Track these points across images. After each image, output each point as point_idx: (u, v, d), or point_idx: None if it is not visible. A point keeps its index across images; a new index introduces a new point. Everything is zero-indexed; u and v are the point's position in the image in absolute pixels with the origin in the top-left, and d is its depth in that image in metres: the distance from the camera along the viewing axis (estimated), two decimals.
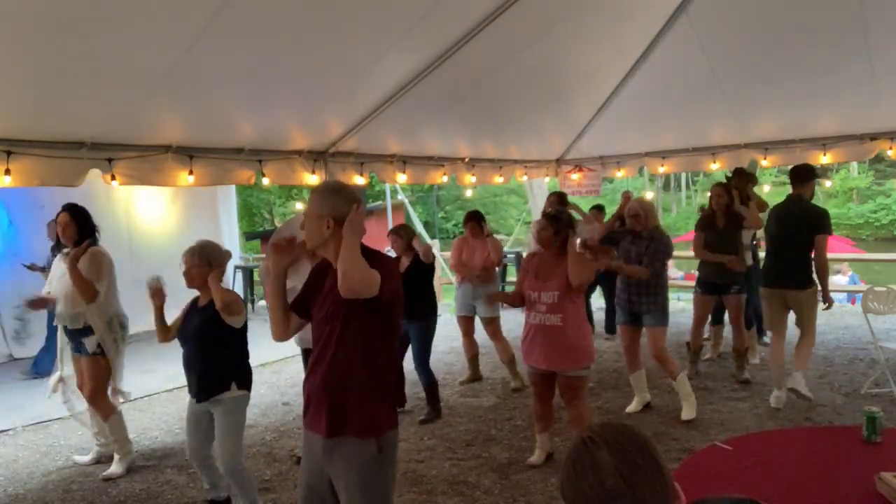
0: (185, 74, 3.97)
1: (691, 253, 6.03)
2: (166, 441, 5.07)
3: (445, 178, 7.58)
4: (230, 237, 10.54)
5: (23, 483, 4.40)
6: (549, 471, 4.08)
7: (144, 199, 9.29)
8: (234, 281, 10.12)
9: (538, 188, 9.39)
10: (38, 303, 4.47)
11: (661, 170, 8.70)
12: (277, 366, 7.01)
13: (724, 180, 6.14)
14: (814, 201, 5.12)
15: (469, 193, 13.06)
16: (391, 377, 2.37)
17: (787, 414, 4.88)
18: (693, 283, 6.06)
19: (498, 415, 5.24)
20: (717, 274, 5.55)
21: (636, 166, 9.09)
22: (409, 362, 5.09)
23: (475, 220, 6.09)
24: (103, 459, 4.58)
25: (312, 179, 5.91)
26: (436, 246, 10.99)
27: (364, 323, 2.25)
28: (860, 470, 2.49)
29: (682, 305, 9.18)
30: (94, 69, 3.66)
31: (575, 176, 9.12)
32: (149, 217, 9.42)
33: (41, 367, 6.84)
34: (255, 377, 3.63)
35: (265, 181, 5.77)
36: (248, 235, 17.54)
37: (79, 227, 4.25)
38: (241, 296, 3.98)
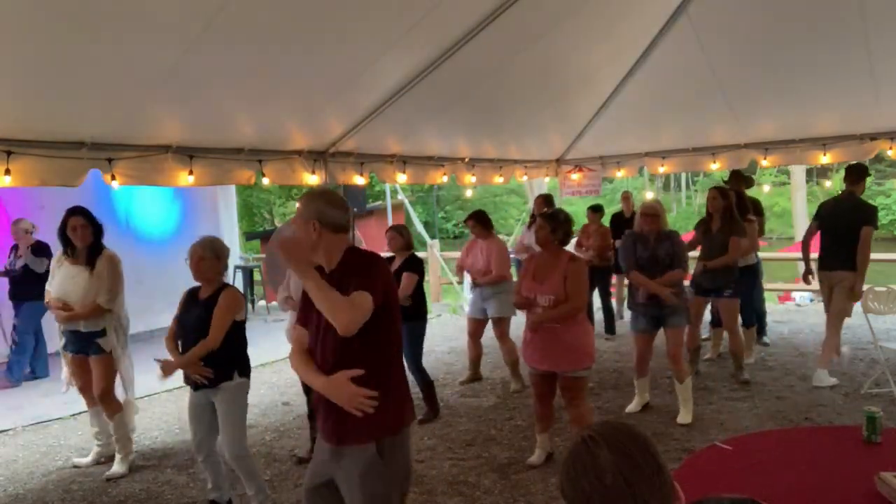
0: (185, 74, 3.97)
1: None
2: (166, 441, 5.07)
3: (445, 178, 7.58)
4: (230, 237, 10.53)
5: (23, 483, 4.40)
6: (549, 471, 4.08)
7: (144, 200, 9.29)
8: (233, 281, 10.12)
9: (538, 188, 9.39)
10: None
11: (661, 170, 8.70)
12: (277, 366, 7.01)
13: (722, 183, 6.16)
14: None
15: (469, 193, 13.06)
16: (395, 377, 2.37)
17: (787, 414, 4.88)
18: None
19: (498, 415, 5.24)
20: (708, 279, 5.56)
21: (636, 166, 9.09)
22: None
23: (474, 219, 6.00)
24: (103, 460, 4.59)
25: (312, 179, 5.91)
26: (435, 246, 10.98)
27: (361, 332, 2.24)
28: (860, 470, 2.49)
29: None
30: (94, 69, 3.66)
31: (575, 176, 9.12)
32: (149, 217, 9.42)
33: (16, 372, 6.79)
34: (254, 377, 3.67)
35: (265, 181, 5.77)
36: (248, 235, 17.52)
37: (94, 229, 4.34)
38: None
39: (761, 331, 6.97)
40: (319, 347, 2.33)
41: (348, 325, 2.17)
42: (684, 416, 4.78)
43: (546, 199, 7.72)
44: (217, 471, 3.68)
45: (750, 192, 6.79)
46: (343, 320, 2.16)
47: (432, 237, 11.99)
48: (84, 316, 4.28)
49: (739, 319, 5.85)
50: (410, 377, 5.17)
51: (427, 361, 5.53)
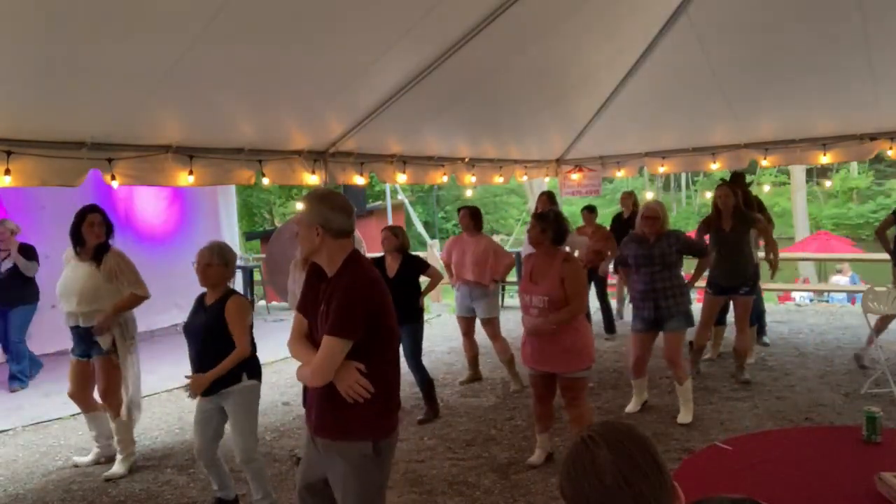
0: (185, 74, 3.97)
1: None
2: (166, 441, 5.07)
3: (445, 178, 7.58)
4: (230, 237, 10.52)
5: (23, 483, 4.40)
6: (549, 471, 4.08)
7: (144, 200, 9.28)
8: (233, 281, 10.11)
9: (538, 188, 9.39)
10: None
11: (661, 170, 8.71)
12: (277, 366, 7.01)
13: (721, 182, 6.15)
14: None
15: (469, 193, 13.06)
16: (390, 379, 2.38)
17: (787, 414, 4.88)
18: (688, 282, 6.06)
19: (498, 415, 5.24)
20: (727, 276, 5.49)
21: (636, 166, 9.09)
22: (403, 363, 5.09)
23: (469, 213, 5.89)
24: (103, 460, 4.58)
25: (312, 179, 5.91)
26: (435, 246, 10.98)
27: (356, 345, 2.25)
28: (860, 470, 2.49)
29: None
30: (94, 69, 3.66)
31: (575, 176, 9.13)
32: (149, 217, 9.41)
33: (23, 380, 6.69)
34: None
35: (265, 181, 5.77)
36: (248, 235, 17.52)
37: (108, 228, 4.36)
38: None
39: (761, 331, 6.97)
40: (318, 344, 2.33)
41: (314, 378, 2.27)
42: (684, 416, 4.78)
43: (549, 197, 7.64)
44: (220, 472, 3.68)
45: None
46: (307, 375, 2.29)
47: (432, 237, 12.00)
48: (122, 308, 4.31)
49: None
50: (411, 377, 5.20)
51: (427, 361, 5.54)
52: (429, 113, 6.09)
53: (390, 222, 13.09)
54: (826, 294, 12.03)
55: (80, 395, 4.52)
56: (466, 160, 7.66)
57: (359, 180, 6.42)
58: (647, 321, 4.75)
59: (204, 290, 3.59)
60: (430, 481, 4.06)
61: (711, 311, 5.73)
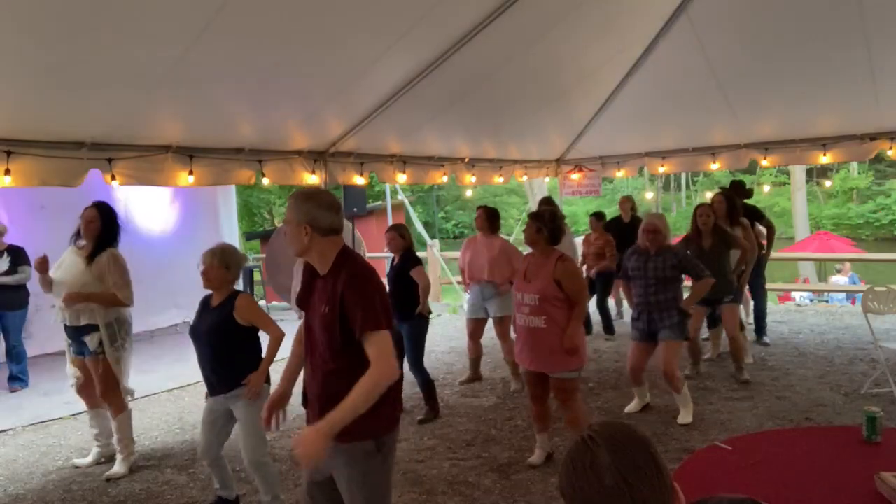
0: (185, 74, 3.97)
1: None
2: (166, 441, 5.07)
3: (445, 178, 7.58)
4: (230, 237, 10.53)
5: (23, 483, 4.40)
6: (549, 471, 4.08)
7: (144, 199, 9.29)
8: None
9: (538, 188, 9.40)
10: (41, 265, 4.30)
11: (661, 170, 8.71)
12: (277, 366, 6.99)
13: (719, 190, 6.16)
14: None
15: (469, 193, 13.06)
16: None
17: (787, 414, 4.88)
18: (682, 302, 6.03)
19: (498, 415, 5.24)
20: (709, 291, 5.49)
21: (636, 166, 9.09)
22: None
23: (485, 212, 5.87)
24: (103, 460, 4.58)
25: (312, 179, 5.91)
26: (435, 246, 10.97)
27: (353, 342, 2.24)
28: (860, 470, 2.49)
29: None
30: (94, 69, 3.66)
31: (575, 176, 9.13)
32: (149, 217, 9.42)
33: (25, 381, 6.69)
34: None
35: (265, 181, 5.77)
36: (248, 235, 17.54)
37: (104, 225, 4.31)
38: None
39: (761, 331, 6.97)
40: (318, 344, 2.33)
41: (391, 375, 2.19)
42: (684, 417, 4.78)
43: (548, 203, 7.65)
44: (223, 472, 3.69)
45: (749, 199, 6.81)
46: (385, 379, 2.18)
47: (432, 237, 11.98)
48: (98, 299, 4.23)
49: (742, 315, 5.82)
50: (411, 377, 5.19)
51: (427, 361, 5.53)
52: (429, 113, 6.08)
53: (390, 222, 13.07)
54: (826, 294, 12.04)
55: (86, 389, 4.52)
56: (466, 160, 7.66)
57: (359, 180, 6.41)
58: (642, 332, 4.79)
59: (208, 292, 3.60)
60: (430, 481, 4.06)
61: (696, 321, 5.62)
